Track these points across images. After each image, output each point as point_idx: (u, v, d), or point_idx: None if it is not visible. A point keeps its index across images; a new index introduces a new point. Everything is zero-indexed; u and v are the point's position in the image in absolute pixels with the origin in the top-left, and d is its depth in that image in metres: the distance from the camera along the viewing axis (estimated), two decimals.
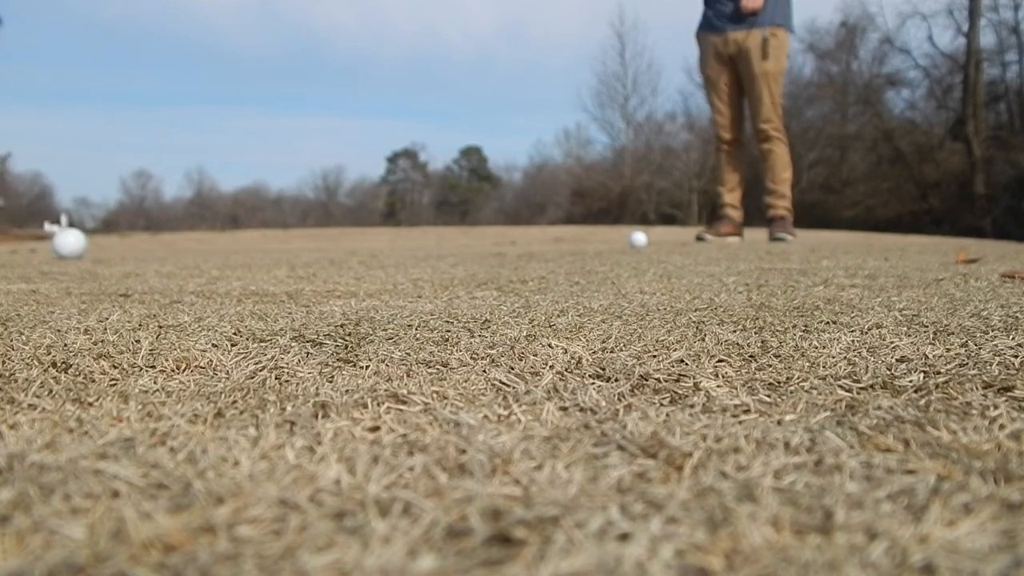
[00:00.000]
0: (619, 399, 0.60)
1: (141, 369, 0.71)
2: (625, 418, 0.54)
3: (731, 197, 4.55)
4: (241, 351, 0.78)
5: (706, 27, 4.43)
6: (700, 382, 0.64)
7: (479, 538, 0.34)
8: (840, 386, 0.62)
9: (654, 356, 0.74)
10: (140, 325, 0.97)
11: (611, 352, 0.77)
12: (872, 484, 0.40)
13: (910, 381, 0.63)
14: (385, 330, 0.91)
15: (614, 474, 0.43)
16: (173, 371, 0.71)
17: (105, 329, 0.93)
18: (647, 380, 0.65)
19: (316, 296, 1.38)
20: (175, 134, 50.75)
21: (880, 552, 0.32)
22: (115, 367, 0.72)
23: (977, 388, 0.60)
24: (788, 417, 0.54)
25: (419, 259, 2.71)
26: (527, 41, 48.48)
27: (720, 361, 0.72)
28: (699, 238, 4.45)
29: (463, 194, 34.12)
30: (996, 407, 0.55)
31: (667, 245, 4.16)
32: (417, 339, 0.85)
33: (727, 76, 4.41)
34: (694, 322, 0.96)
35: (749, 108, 4.45)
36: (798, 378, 0.65)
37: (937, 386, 0.61)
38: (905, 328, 0.89)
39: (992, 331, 0.85)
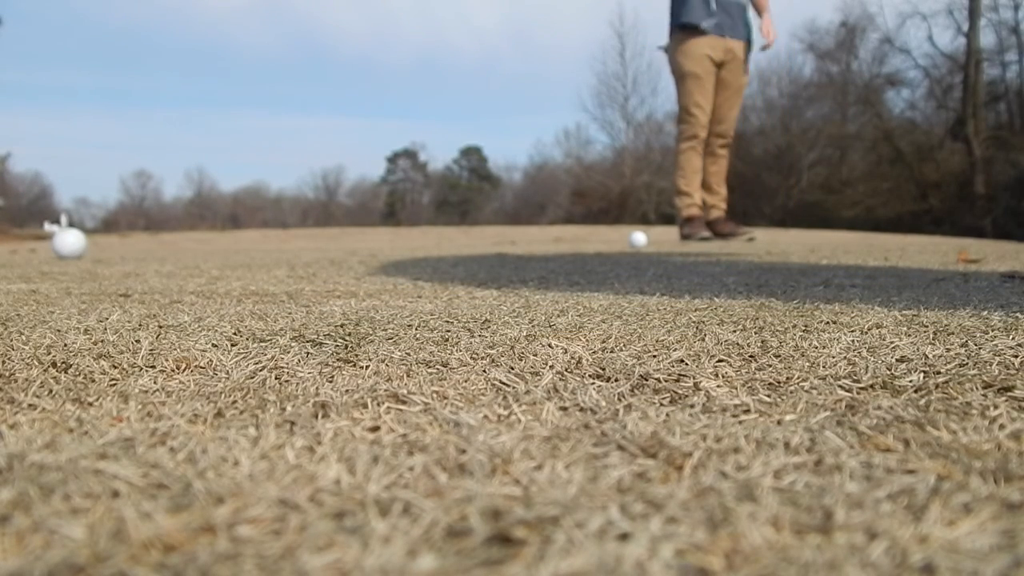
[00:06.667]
0: (619, 399, 0.60)
1: (141, 369, 0.71)
2: (625, 418, 0.54)
3: (700, 195, 4.60)
4: (241, 351, 0.78)
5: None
6: (700, 382, 0.64)
7: (479, 538, 0.34)
8: (840, 386, 0.62)
9: (654, 356, 0.74)
10: (140, 325, 0.97)
11: (611, 352, 0.77)
12: (872, 484, 0.40)
13: (910, 381, 0.63)
14: (385, 330, 0.91)
15: (614, 474, 0.43)
16: (173, 371, 0.71)
17: (105, 329, 0.93)
18: (647, 380, 0.65)
19: (316, 296, 1.38)
20: (175, 134, 50.69)
21: (880, 552, 0.32)
22: (115, 367, 0.72)
23: (977, 388, 0.60)
24: (788, 417, 0.54)
25: (419, 259, 2.71)
26: (529, 42, 48.47)
27: (720, 361, 0.72)
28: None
29: (463, 194, 34.12)
30: (996, 407, 0.55)
31: (667, 245, 4.16)
32: (417, 339, 0.85)
33: (712, 78, 4.47)
34: (694, 322, 0.96)
35: (720, 113, 4.51)
36: (798, 378, 0.65)
37: (937, 386, 0.61)
38: (905, 328, 0.89)
39: (992, 331, 0.85)
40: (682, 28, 4.50)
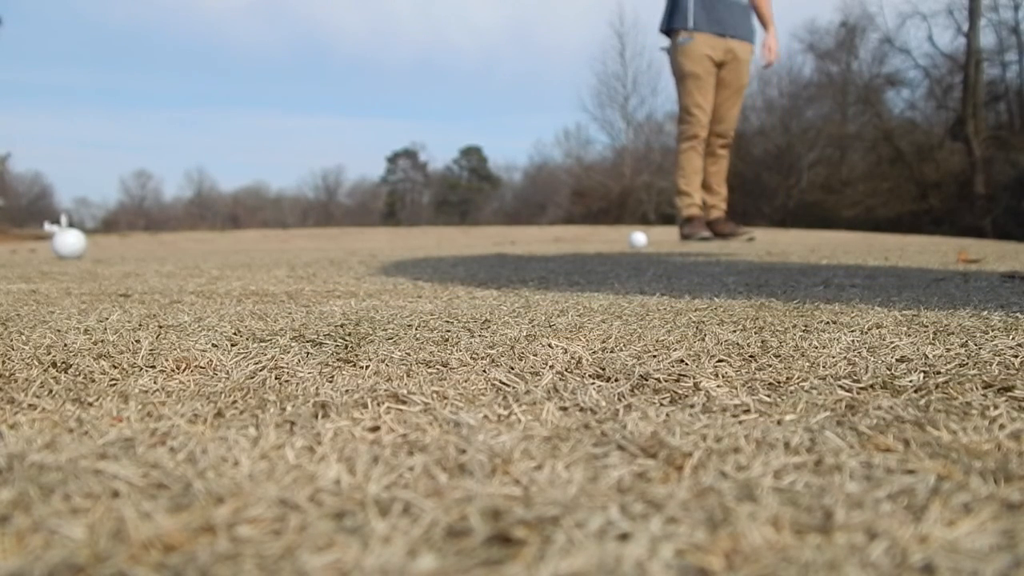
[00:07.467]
0: (619, 399, 0.60)
1: (141, 369, 0.71)
2: (625, 418, 0.54)
3: (700, 195, 4.62)
4: (241, 351, 0.78)
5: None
6: (700, 382, 0.64)
7: (479, 538, 0.34)
8: (840, 386, 0.62)
9: (654, 356, 0.74)
10: (140, 325, 0.97)
11: (611, 352, 0.77)
12: (872, 484, 0.40)
13: (910, 381, 0.63)
14: (385, 330, 0.91)
15: (614, 474, 0.43)
16: (173, 371, 0.71)
17: (105, 329, 0.93)
18: (647, 380, 0.65)
19: (316, 296, 1.38)
20: (175, 134, 50.65)
21: (880, 552, 0.32)
22: (115, 367, 0.72)
23: (977, 388, 0.60)
24: (788, 417, 0.54)
25: (419, 259, 2.71)
26: (529, 42, 48.44)
27: (720, 361, 0.72)
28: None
29: (463, 194, 34.10)
30: (996, 407, 0.55)
31: (667, 245, 4.16)
32: (417, 339, 0.85)
33: (713, 78, 4.48)
34: (694, 322, 0.96)
35: (720, 113, 4.52)
36: (798, 378, 0.65)
37: (937, 386, 0.61)
38: (905, 328, 0.89)
39: (992, 331, 0.85)
40: (673, 31, 4.51)
